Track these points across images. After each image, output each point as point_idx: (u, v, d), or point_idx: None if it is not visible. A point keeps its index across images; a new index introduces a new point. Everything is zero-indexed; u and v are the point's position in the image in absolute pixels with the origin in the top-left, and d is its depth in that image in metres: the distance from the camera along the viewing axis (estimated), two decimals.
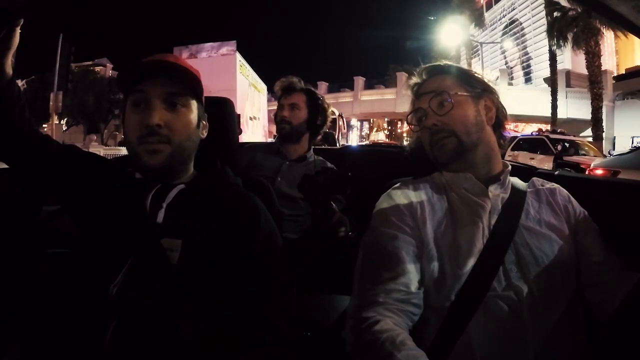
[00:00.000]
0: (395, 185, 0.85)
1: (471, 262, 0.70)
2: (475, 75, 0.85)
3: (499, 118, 0.84)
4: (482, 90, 0.82)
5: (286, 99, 1.56)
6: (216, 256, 0.71)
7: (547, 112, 17.83)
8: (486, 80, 0.85)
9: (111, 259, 0.68)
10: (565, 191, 0.84)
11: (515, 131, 17.37)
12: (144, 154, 0.72)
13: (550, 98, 17.87)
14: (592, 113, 14.78)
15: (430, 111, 0.80)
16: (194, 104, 0.77)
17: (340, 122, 13.86)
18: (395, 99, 29.67)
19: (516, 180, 0.84)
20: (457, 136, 0.78)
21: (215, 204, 0.76)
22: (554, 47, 16.84)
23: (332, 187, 1.03)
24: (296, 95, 1.56)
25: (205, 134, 0.82)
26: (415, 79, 0.86)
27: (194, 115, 0.77)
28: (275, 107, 1.71)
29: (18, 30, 0.67)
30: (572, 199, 0.83)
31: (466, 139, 0.78)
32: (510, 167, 0.84)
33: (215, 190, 0.78)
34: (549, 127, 14.93)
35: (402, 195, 0.80)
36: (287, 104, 1.55)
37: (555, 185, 0.85)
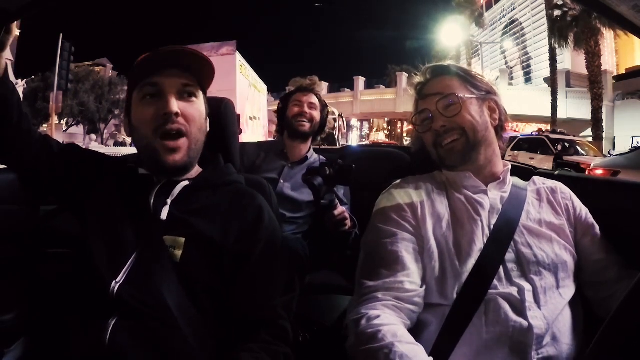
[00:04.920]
0: (396, 183, 0.85)
1: (472, 261, 0.71)
2: (480, 77, 0.85)
3: (501, 120, 0.84)
4: (486, 93, 0.82)
5: (305, 96, 1.57)
6: (219, 254, 0.70)
7: (547, 112, 17.83)
8: (490, 83, 0.85)
9: (114, 255, 0.68)
10: (567, 189, 0.84)
11: (515, 131, 17.36)
12: (163, 152, 0.72)
13: (550, 98, 17.87)
14: (592, 113, 14.78)
15: (437, 113, 0.80)
16: (201, 95, 0.79)
17: (340, 122, 13.85)
18: (395, 99, 29.65)
19: (516, 180, 0.85)
20: (466, 134, 0.78)
21: (219, 202, 0.76)
22: (555, 47, 16.84)
23: (336, 178, 1.04)
24: (313, 96, 1.58)
25: (209, 128, 0.82)
26: (418, 78, 0.86)
27: (202, 105, 0.79)
28: (275, 107, 1.71)
29: (14, 24, 0.67)
30: (574, 196, 0.83)
31: (473, 138, 0.78)
32: (510, 167, 0.85)
33: (218, 188, 0.78)
34: (549, 127, 14.93)
35: (402, 193, 0.80)
36: (306, 102, 1.56)
37: (557, 183, 0.85)
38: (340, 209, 1.13)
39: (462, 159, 0.79)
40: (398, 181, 0.85)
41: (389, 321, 0.64)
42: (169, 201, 0.73)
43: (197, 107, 0.76)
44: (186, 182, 0.76)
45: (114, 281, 0.66)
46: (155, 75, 0.73)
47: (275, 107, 1.70)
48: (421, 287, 0.71)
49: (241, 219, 0.74)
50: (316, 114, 1.56)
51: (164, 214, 0.72)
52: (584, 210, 0.81)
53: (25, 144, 0.75)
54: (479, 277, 0.69)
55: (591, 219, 0.80)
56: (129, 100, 0.77)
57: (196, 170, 0.81)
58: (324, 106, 1.61)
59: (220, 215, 0.73)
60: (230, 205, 0.75)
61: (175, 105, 0.72)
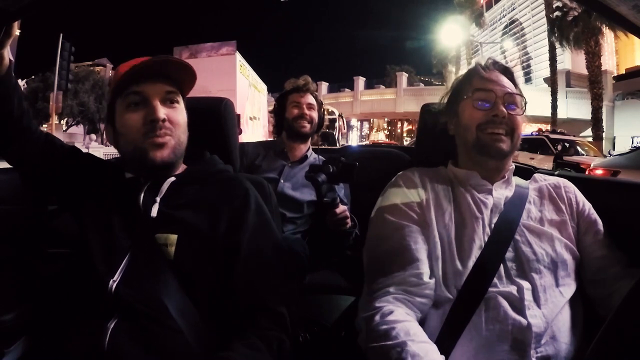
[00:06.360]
0: (401, 174, 0.85)
1: (472, 258, 0.71)
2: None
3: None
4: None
5: (303, 97, 1.56)
6: (211, 246, 0.71)
7: (547, 112, 17.79)
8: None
9: (109, 256, 0.69)
10: (571, 185, 0.84)
11: None
12: (151, 148, 0.73)
13: (550, 98, 17.85)
14: (592, 113, 14.76)
15: (502, 102, 0.79)
16: (182, 100, 0.80)
17: (340, 122, 13.85)
18: (395, 99, 29.63)
19: (518, 180, 0.85)
20: (512, 137, 0.79)
21: (207, 193, 0.76)
22: (555, 47, 16.85)
23: (340, 176, 1.04)
24: (310, 96, 1.58)
25: (187, 132, 0.82)
26: (485, 62, 0.85)
27: (184, 110, 0.80)
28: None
29: (15, 23, 0.68)
30: (577, 191, 0.83)
31: (515, 143, 0.80)
32: (513, 167, 0.85)
33: (206, 179, 0.79)
34: (549, 127, 14.93)
35: (409, 184, 0.81)
36: (305, 103, 1.56)
37: (560, 179, 0.86)
38: (342, 208, 1.14)
39: (501, 157, 0.79)
40: (403, 172, 0.86)
41: (403, 317, 0.65)
42: (157, 199, 0.74)
43: (180, 112, 0.78)
44: (172, 178, 0.77)
45: (112, 280, 0.66)
46: (137, 85, 0.74)
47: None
48: (431, 279, 0.71)
49: (230, 206, 0.75)
50: (315, 114, 1.57)
51: (154, 212, 0.72)
52: (587, 206, 0.81)
53: (26, 141, 0.76)
54: (479, 274, 0.70)
55: (594, 215, 0.80)
56: (111, 109, 0.78)
57: (182, 168, 0.82)
58: (320, 104, 1.62)
59: (209, 206, 0.74)
60: (219, 195, 0.76)
61: (162, 111, 0.73)
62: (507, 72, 0.84)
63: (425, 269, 0.71)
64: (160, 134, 0.73)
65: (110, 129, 0.80)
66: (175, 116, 0.76)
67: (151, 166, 0.74)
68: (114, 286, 0.66)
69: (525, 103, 0.82)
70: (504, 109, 0.78)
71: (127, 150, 0.76)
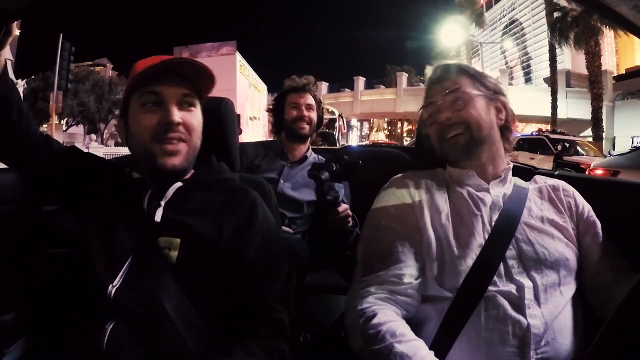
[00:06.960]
0: (396, 178, 0.85)
1: (471, 257, 0.71)
2: (489, 78, 0.85)
3: (507, 121, 0.84)
4: (494, 93, 0.83)
5: (302, 97, 1.55)
6: (215, 252, 0.71)
7: (547, 112, 17.82)
8: (499, 84, 0.85)
9: (111, 258, 0.69)
10: (569, 187, 0.84)
11: (515, 131, 17.33)
12: (161, 155, 0.72)
13: (550, 98, 17.87)
14: (592, 113, 14.79)
15: (444, 106, 0.80)
16: (198, 104, 0.79)
17: (340, 122, 13.85)
18: (395, 99, 29.61)
19: (518, 180, 0.85)
20: (470, 130, 0.78)
21: (213, 200, 0.76)
22: (555, 47, 16.86)
23: (342, 174, 1.04)
24: (309, 97, 1.56)
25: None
26: (430, 72, 0.86)
27: (200, 114, 0.79)
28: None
29: (14, 23, 0.68)
30: (577, 194, 0.83)
31: (477, 134, 0.79)
32: (511, 165, 0.85)
33: (212, 186, 0.79)
34: (549, 127, 14.92)
35: (402, 187, 0.81)
36: (304, 104, 1.54)
37: (559, 181, 0.85)
38: (344, 206, 1.14)
39: (465, 153, 0.80)
40: (398, 175, 0.86)
41: (388, 318, 0.65)
42: (162, 203, 0.73)
43: (196, 116, 0.77)
44: (179, 184, 0.76)
45: (111, 285, 0.66)
46: (155, 84, 0.73)
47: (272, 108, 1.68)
48: (417, 279, 0.71)
49: (236, 216, 0.74)
50: (314, 115, 1.56)
51: (158, 216, 0.72)
52: (586, 208, 0.81)
53: (25, 142, 0.76)
54: (479, 272, 0.69)
55: (593, 217, 0.80)
56: (125, 104, 0.77)
57: (189, 173, 0.82)
58: (319, 104, 1.61)
59: (214, 214, 0.74)
60: (225, 203, 0.76)
61: (177, 115, 0.72)
62: (455, 67, 0.84)
63: (408, 270, 0.71)
64: (174, 137, 0.72)
65: (122, 126, 0.78)
66: (191, 120, 0.75)
67: (161, 171, 0.73)
68: (114, 287, 0.66)
69: (482, 83, 0.82)
70: (447, 112, 0.79)
71: (137, 150, 0.75)
